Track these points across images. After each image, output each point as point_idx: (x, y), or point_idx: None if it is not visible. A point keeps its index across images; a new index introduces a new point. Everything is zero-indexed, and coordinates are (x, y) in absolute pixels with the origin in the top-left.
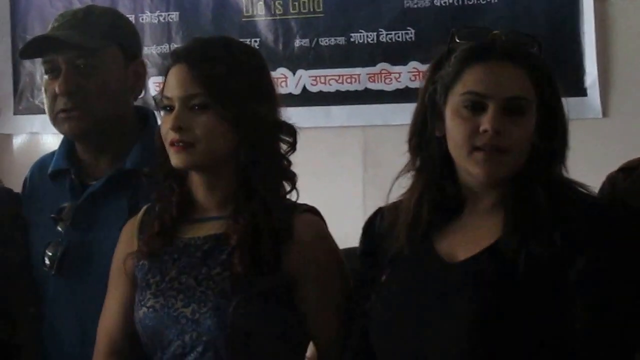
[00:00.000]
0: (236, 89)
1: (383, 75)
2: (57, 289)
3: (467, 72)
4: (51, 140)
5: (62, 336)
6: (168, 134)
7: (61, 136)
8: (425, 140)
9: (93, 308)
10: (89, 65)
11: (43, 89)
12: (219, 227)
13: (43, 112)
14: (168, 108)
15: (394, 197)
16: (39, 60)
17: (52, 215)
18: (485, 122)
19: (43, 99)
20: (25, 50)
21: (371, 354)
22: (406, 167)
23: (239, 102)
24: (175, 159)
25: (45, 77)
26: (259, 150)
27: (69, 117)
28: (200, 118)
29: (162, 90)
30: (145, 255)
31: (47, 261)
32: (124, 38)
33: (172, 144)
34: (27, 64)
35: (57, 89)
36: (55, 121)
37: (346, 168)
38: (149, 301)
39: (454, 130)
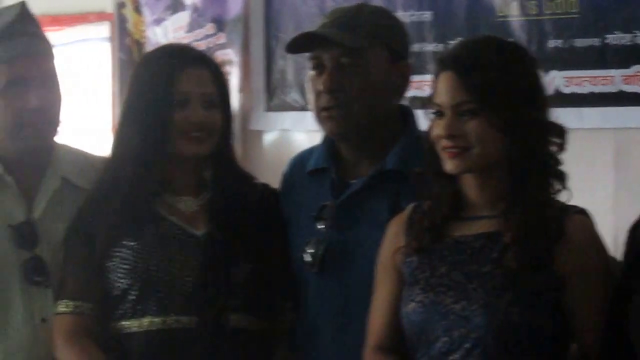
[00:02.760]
0: (507, 94)
1: (638, 77)
2: (317, 286)
3: None
4: (302, 137)
5: (320, 332)
6: (440, 141)
7: (312, 134)
8: None
9: (353, 306)
10: (353, 64)
11: (309, 84)
12: (490, 225)
13: (294, 109)
14: (438, 113)
15: None
16: (291, 57)
17: (313, 214)
18: None
19: (294, 97)
20: (292, 44)
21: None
22: None
23: (509, 107)
24: (450, 165)
25: (312, 72)
26: (530, 152)
27: (330, 116)
28: (471, 124)
29: (432, 95)
30: (415, 251)
31: (307, 258)
32: (392, 38)
33: (444, 148)
34: (279, 61)
35: (321, 86)
36: (318, 118)
37: (596, 171)
38: (418, 296)
39: None
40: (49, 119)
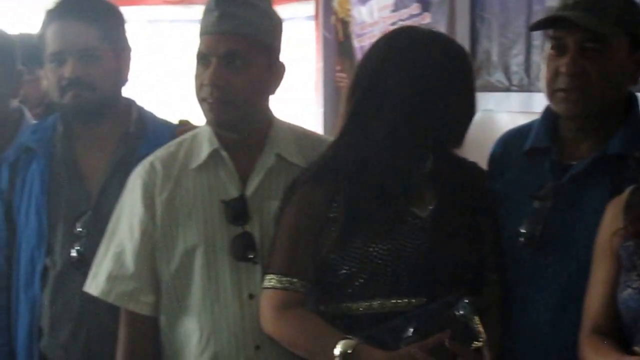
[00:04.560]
0: None
1: None
2: (533, 264)
3: None
4: (505, 118)
5: (535, 310)
6: None
7: (516, 115)
8: None
9: (573, 287)
10: (597, 50)
11: (545, 62)
12: None
13: (498, 90)
14: None
15: None
16: (496, 38)
17: (532, 193)
18: None
19: (499, 78)
20: (537, 25)
21: None
22: None
23: None
24: None
25: (551, 51)
26: None
27: (567, 97)
28: None
29: None
30: (632, 235)
31: (523, 236)
32: (634, 27)
33: None
34: (484, 42)
35: (563, 68)
36: (552, 97)
37: None
38: (635, 282)
39: None
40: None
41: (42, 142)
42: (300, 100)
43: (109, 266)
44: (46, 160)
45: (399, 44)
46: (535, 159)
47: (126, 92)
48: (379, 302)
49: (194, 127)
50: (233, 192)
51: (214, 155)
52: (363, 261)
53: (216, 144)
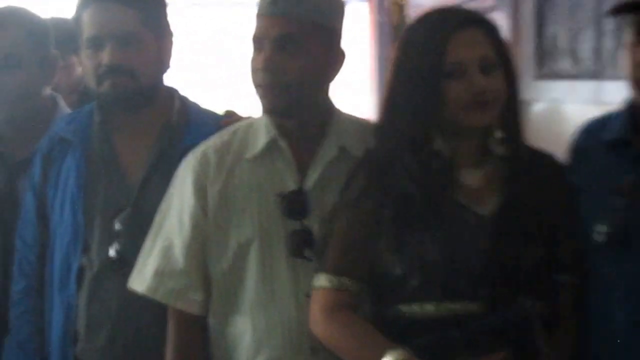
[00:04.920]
0: None
1: None
2: (613, 265)
3: None
4: (574, 109)
5: (615, 311)
6: None
7: (586, 106)
8: None
9: None
10: None
11: (629, 52)
12: None
13: (566, 78)
14: None
15: None
16: (564, 23)
17: (613, 188)
18: None
19: (566, 65)
20: (618, 9)
21: None
22: None
23: None
24: None
25: (634, 40)
26: None
27: None
28: None
29: None
30: None
31: (601, 234)
32: None
33: None
34: (551, 26)
35: None
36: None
37: None
38: None
39: None
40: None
41: (78, 132)
42: (354, 88)
43: (156, 261)
44: (82, 152)
45: (413, 29)
46: (616, 151)
47: (168, 79)
48: (433, 305)
49: (240, 119)
50: (291, 185)
51: (271, 145)
52: (416, 262)
53: (274, 133)
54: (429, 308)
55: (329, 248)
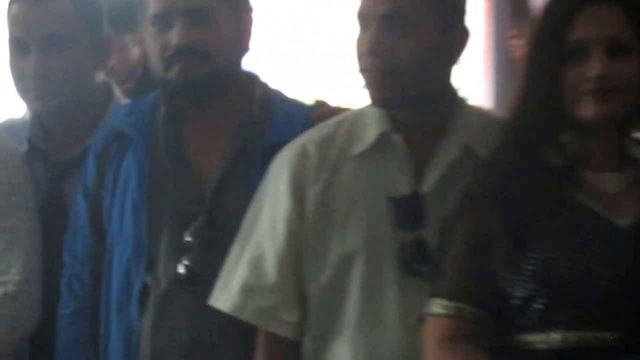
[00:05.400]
0: None
1: None
2: None
3: None
4: None
5: None
6: None
7: None
8: None
9: None
10: None
11: None
12: None
13: None
14: None
15: None
16: None
17: None
18: None
19: None
20: None
21: None
22: None
23: None
24: None
25: None
26: None
27: None
28: None
29: None
30: None
31: None
32: None
33: None
34: None
35: None
36: None
37: None
38: None
39: None
40: None
41: (139, 126)
42: (466, 73)
43: (244, 274)
44: (145, 149)
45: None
46: None
47: (247, 63)
48: (559, 334)
49: (334, 110)
50: (404, 188)
51: (382, 139)
52: (540, 281)
53: (386, 126)
54: (555, 338)
55: (444, 266)
